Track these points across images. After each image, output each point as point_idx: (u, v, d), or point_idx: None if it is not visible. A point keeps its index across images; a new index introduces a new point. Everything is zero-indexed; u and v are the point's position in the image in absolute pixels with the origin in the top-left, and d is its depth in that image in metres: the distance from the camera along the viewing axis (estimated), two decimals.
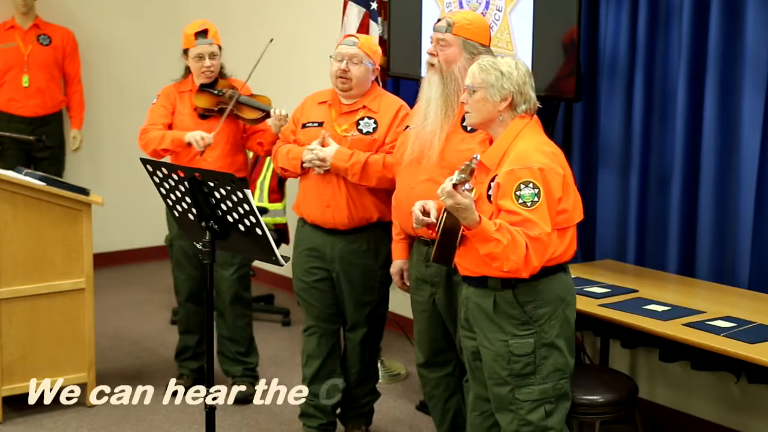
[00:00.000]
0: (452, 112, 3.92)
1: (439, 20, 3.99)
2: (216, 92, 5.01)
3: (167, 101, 5.10)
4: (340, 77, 4.35)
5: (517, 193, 3.34)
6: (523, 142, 3.46)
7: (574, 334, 3.60)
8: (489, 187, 3.45)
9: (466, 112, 3.56)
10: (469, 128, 3.92)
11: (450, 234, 3.38)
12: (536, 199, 3.34)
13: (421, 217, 3.51)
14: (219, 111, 4.96)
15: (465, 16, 3.96)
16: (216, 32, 5.04)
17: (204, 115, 4.99)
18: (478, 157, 3.27)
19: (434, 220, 3.52)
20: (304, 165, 4.35)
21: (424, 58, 4.96)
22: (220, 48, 5.06)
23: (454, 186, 3.18)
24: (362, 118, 4.39)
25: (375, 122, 4.38)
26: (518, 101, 3.50)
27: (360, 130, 4.37)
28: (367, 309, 4.52)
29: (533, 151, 3.42)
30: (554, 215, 3.39)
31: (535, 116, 3.57)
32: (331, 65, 4.39)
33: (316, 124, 4.43)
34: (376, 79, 4.51)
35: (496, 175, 3.43)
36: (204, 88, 5.03)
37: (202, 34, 5.00)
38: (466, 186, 3.21)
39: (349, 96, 4.40)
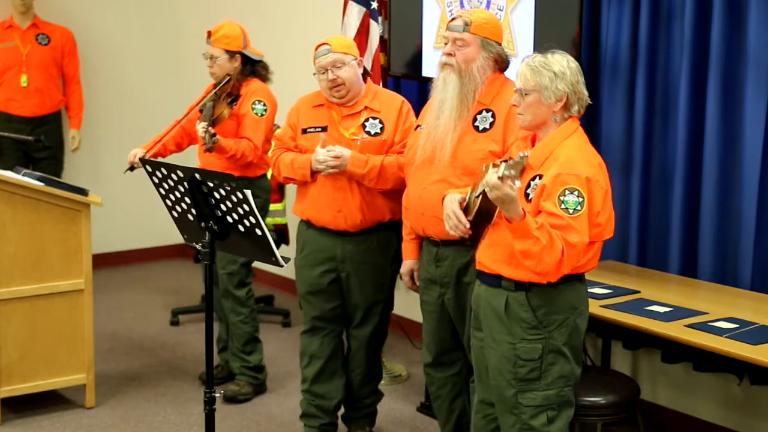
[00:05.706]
0: (466, 112, 3.86)
1: (453, 19, 3.91)
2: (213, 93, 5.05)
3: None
4: (333, 87, 4.27)
5: (561, 198, 3.29)
6: (570, 148, 3.40)
7: (582, 344, 3.57)
8: (527, 185, 3.39)
9: (519, 114, 3.47)
10: (481, 128, 3.88)
11: (483, 215, 3.36)
12: (579, 207, 3.29)
13: (461, 218, 3.47)
14: (199, 110, 5.02)
15: (481, 15, 3.91)
16: (222, 36, 5.02)
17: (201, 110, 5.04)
18: (528, 154, 3.18)
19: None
20: (316, 167, 4.23)
21: (426, 57, 4.98)
22: (232, 53, 5.03)
23: (500, 178, 3.11)
24: (367, 119, 4.32)
25: (380, 122, 4.32)
26: (572, 101, 3.44)
27: (368, 132, 4.30)
28: (379, 307, 4.48)
29: (581, 159, 3.38)
30: (591, 228, 3.34)
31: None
32: (319, 82, 4.32)
33: (319, 129, 4.34)
34: (366, 73, 4.41)
35: (538, 175, 3.38)
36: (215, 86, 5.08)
37: (208, 35, 5.05)
38: (516, 184, 3.14)
39: (348, 100, 4.34)
